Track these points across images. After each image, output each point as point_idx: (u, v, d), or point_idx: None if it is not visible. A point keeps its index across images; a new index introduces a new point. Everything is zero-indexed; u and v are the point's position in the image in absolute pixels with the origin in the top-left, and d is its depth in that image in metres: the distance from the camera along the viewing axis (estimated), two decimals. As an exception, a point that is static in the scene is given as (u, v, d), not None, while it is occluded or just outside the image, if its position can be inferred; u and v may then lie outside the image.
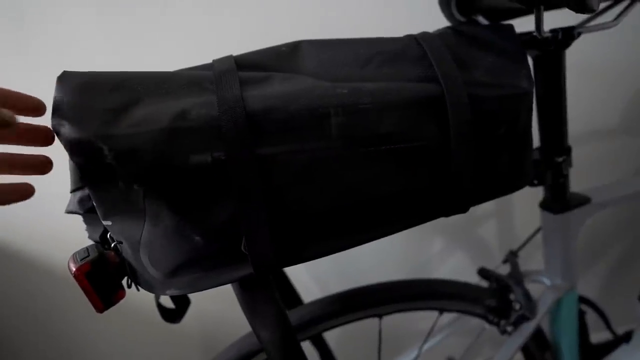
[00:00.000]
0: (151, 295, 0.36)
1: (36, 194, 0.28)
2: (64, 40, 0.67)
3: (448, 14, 0.48)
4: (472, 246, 0.90)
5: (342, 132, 0.29)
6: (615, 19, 0.42)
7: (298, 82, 0.30)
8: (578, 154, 0.51)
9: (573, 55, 0.46)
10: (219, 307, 0.83)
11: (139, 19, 0.68)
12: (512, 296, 0.55)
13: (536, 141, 0.44)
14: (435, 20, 0.47)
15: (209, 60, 0.34)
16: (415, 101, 0.31)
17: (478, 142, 0.33)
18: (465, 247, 0.90)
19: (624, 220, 0.92)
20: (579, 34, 0.42)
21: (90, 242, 0.31)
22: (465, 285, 0.56)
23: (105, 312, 0.30)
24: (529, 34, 0.42)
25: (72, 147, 0.26)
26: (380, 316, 0.53)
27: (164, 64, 0.68)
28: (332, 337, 0.62)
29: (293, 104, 0.28)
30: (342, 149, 0.29)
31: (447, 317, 0.60)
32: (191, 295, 0.42)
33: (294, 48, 0.34)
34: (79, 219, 0.34)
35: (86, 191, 0.32)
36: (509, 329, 0.55)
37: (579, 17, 0.41)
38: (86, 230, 0.33)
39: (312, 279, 0.86)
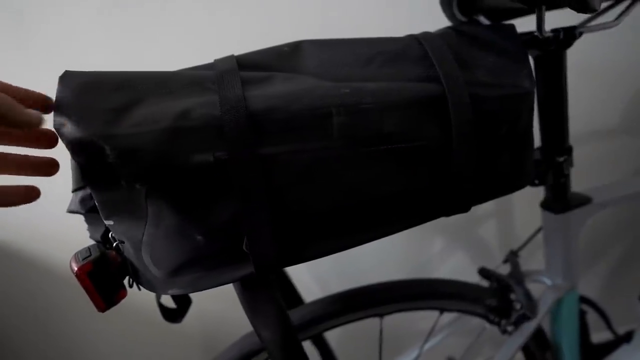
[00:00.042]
0: (151, 295, 0.36)
1: None
2: (64, 37, 0.67)
3: (449, 14, 0.48)
4: (473, 246, 0.90)
5: (344, 132, 0.29)
6: (616, 18, 0.42)
7: (300, 82, 0.30)
8: (578, 154, 0.51)
9: (573, 55, 0.46)
10: (219, 307, 0.83)
11: (139, 16, 0.68)
12: (512, 296, 0.55)
13: (537, 141, 0.44)
14: (435, 21, 0.47)
15: (208, 60, 0.34)
16: (416, 101, 0.31)
17: (479, 141, 0.33)
18: (466, 247, 0.90)
19: (625, 220, 0.92)
20: (580, 34, 0.42)
21: (91, 242, 0.31)
22: (466, 285, 0.56)
23: (106, 312, 0.30)
24: (530, 33, 0.42)
25: (74, 147, 0.26)
26: (381, 316, 0.53)
27: (163, 62, 0.68)
28: (332, 336, 0.62)
29: (295, 103, 0.28)
30: (344, 149, 0.29)
31: (448, 316, 0.60)
32: (192, 295, 0.42)
33: (295, 48, 0.34)
34: (79, 218, 0.34)
35: (88, 191, 0.32)
36: (510, 328, 0.55)
37: (580, 17, 0.41)
38: (88, 230, 0.33)
39: (313, 278, 0.86)
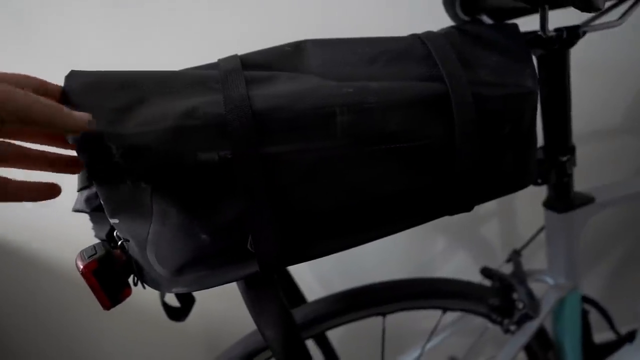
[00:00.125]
0: (153, 294, 0.36)
1: None
2: (67, 37, 0.67)
3: (452, 14, 0.47)
4: (475, 245, 0.90)
5: (347, 131, 0.29)
6: (620, 18, 0.41)
7: (303, 81, 0.30)
8: (579, 154, 0.51)
9: (574, 54, 0.46)
10: (222, 306, 0.83)
11: (141, 16, 0.68)
12: (515, 295, 0.55)
13: (540, 140, 0.44)
14: (436, 20, 0.47)
15: (209, 59, 0.34)
16: (419, 100, 0.31)
17: (482, 141, 0.33)
18: (468, 246, 0.90)
19: (627, 220, 0.91)
20: (584, 33, 0.42)
21: (94, 241, 0.32)
22: (469, 284, 0.56)
23: (106, 310, 0.30)
24: (534, 33, 0.42)
25: (80, 146, 0.26)
26: (383, 315, 0.53)
27: (165, 61, 0.68)
28: (335, 335, 0.63)
29: (299, 103, 0.28)
30: (347, 148, 0.29)
31: (450, 316, 0.60)
32: (195, 294, 0.42)
33: (299, 47, 0.34)
34: (80, 217, 0.34)
35: (93, 190, 0.32)
36: (512, 328, 0.55)
37: (583, 16, 0.41)
38: (93, 229, 0.33)
39: (315, 277, 0.87)
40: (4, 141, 0.26)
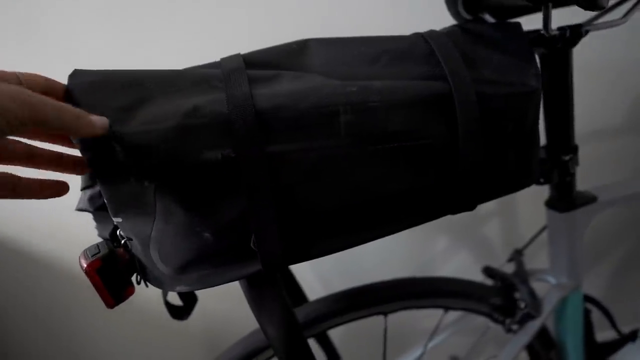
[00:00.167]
0: (154, 293, 0.36)
1: None
2: (70, 37, 0.67)
3: (454, 12, 0.47)
4: (476, 245, 0.90)
5: (351, 130, 0.29)
6: (624, 16, 0.41)
7: (307, 80, 0.30)
8: (579, 153, 0.51)
9: (575, 54, 0.46)
10: (223, 306, 0.83)
11: (143, 16, 0.68)
12: (517, 295, 0.55)
13: (542, 139, 0.44)
14: (437, 20, 0.46)
15: (210, 58, 0.34)
16: (423, 99, 0.31)
17: (486, 140, 0.33)
18: (470, 246, 0.90)
19: (629, 220, 0.91)
20: (587, 32, 0.42)
21: (94, 239, 0.32)
22: (470, 284, 0.56)
23: (107, 309, 0.30)
24: (537, 32, 0.42)
25: (84, 145, 0.26)
26: (385, 314, 0.53)
27: (168, 60, 0.68)
28: (336, 334, 0.63)
29: (302, 102, 0.28)
30: (351, 147, 0.29)
31: (452, 315, 0.60)
32: (197, 293, 0.42)
33: (302, 46, 0.34)
34: (80, 216, 0.34)
35: (96, 189, 0.32)
36: (514, 327, 0.55)
37: (586, 15, 0.41)
38: (96, 227, 0.33)
39: (316, 277, 0.87)
40: (13, 139, 0.26)
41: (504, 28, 0.38)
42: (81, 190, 0.33)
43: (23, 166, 0.27)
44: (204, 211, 0.28)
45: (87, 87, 0.27)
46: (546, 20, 0.39)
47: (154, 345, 0.89)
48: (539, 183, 0.51)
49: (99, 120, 0.25)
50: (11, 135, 0.21)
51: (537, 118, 0.37)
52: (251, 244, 0.29)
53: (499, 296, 0.55)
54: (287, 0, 0.69)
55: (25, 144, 0.27)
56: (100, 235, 0.33)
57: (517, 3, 0.43)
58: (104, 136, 0.25)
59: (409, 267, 0.89)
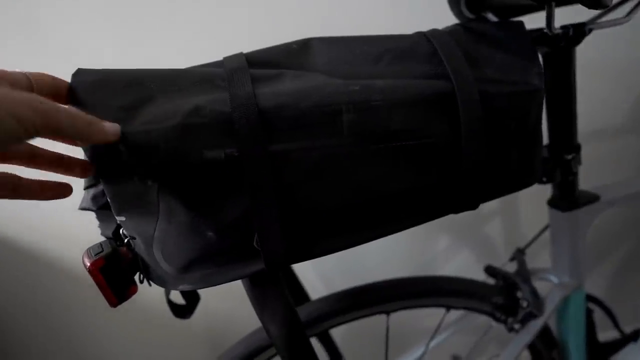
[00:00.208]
0: (155, 292, 0.36)
1: None
2: (73, 36, 0.68)
3: (457, 11, 0.47)
4: (478, 244, 0.90)
5: (353, 129, 0.29)
6: (627, 15, 0.41)
7: (309, 79, 0.30)
8: (582, 152, 0.50)
9: (577, 52, 0.45)
10: (225, 305, 0.83)
11: (146, 15, 0.68)
12: (519, 294, 0.54)
13: (545, 138, 0.44)
14: (437, 20, 0.46)
15: (213, 58, 0.34)
16: (425, 98, 0.31)
17: (488, 138, 0.33)
18: (471, 245, 0.90)
19: (630, 219, 0.91)
20: (590, 31, 0.42)
21: (94, 238, 0.32)
22: (473, 283, 0.56)
23: (108, 308, 0.30)
24: (539, 30, 0.41)
25: (91, 148, 0.26)
26: (387, 313, 0.53)
27: (171, 59, 0.68)
28: (338, 334, 0.63)
29: (304, 101, 0.28)
30: (353, 146, 0.29)
31: (454, 314, 0.60)
32: (199, 292, 0.42)
33: (304, 45, 0.34)
34: (81, 215, 0.34)
35: (99, 188, 0.32)
36: (516, 326, 0.55)
37: (589, 14, 0.41)
38: (99, 226, 0.33)
39: (317, 276, 0.87)
40: None
41: (507, 27, 0.38)
42: (84, 189, 0.33)
43: (24, 166, 0.27)
44: (207, 210, 0.28)
45: (89, 86, 0.27)
46: (549, 19, 0.39)
47: (156, 344, 0.89)
48: (541, 182, 0.51)
49: (111, 127, 0.25)
50: (25, 141, 0.21)
51: (540, 117, 0.37)
52: (254, 243, 0.29)
53: (501, 295, 0.55)
54: (287, 0, 0.69)
55: (29, 144, 0.27)
56: (103, 234, 0.33)
57: (519, 2, 0.43)
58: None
59: (411, 266, 0.89)
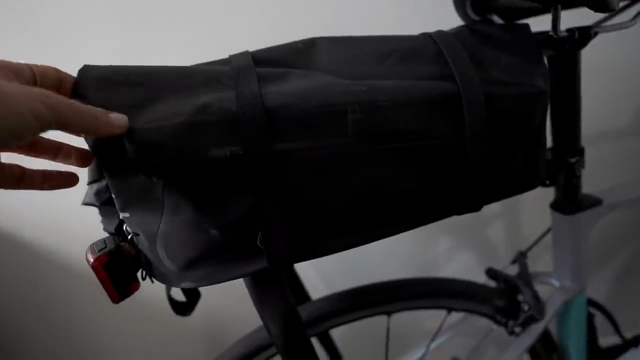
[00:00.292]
0: (156, 289, 0.36)
1: None
2: (76, 35, 0.68)
3: (462, 13, 0.47)
4: (480, 246, 0.90)
5: (358, 129, 0.29)
6: (633, 18, 0.41)
7: (315, 78, 0.30)
8: (586, 155, 0.50)
9: (582, 55, 0.45)
10: (226, 303, 0.83)
11: (151, 15, 0.68)
12: (520, 297, 0.54)
13: (549, 141, 0.44)
14: (440, 21, 0.46)
15: (212, 56, 0.34)
16: (431, 99, 0.31)
17: (493, 141, 0.33)
18: (473, 247, 0.90)
19: (633, 223, 0.91)
20: (595, 34, 0.41)
21: (94, 234, 0.32)
22: (474, 285, 0.55)
23: (108, 304, 0.30)
24: (545, 33, 0.41)
25: (93, 140, 0.26)
26: (388, 314, 0.53)
27: (174, 57, 0.68)
28: (338, 334, 0.63)
29: (310, 100, 0.28)
30: (358, 146, 0.29)
31: (455, 316, 0.59)
32: (200, 289, 0.42)
33: (310, 45, 0.34)
34: (81, 211, 0.34)
35: (103, 183, 0.32)
36: (517, 329, 0.55)
37: (595, 17, 0.41)
38: (101, 222, 0.33)
39: (318, 276, 0.87)
40: None
41: (513, 29, 0.37)
42: (88, 184, 0.33)
43: (24, 154, 0.27)
44: (211, 208, 0.28)
45: (96, 82, 0.27)
46: (555, 22, 0.39)
47: (156, 341, 0.89)
48: (544, 185, 0.51)
49: (118, 120, 0.25)
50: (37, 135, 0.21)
51: (545, 119, 0.37)
52: (257, 242, 0.29)
53: (502, 298, 0.55)
54: (293, 1, 0.69)
55: None
56: (105, 229, 0.33)
57: (525, 4, 0.43)
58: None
59: (412, 267, 0.88)
